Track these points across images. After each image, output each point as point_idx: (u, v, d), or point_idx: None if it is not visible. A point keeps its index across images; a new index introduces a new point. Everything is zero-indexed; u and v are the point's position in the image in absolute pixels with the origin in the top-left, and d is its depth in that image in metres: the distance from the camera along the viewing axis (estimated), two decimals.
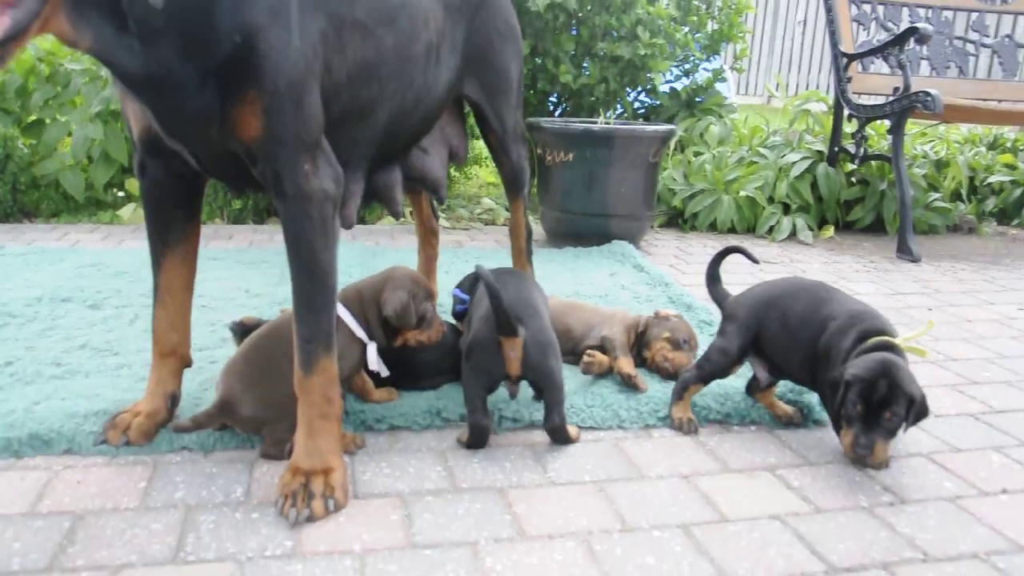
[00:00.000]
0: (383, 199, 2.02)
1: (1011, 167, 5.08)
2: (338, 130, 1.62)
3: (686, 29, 4.92)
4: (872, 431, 1.67)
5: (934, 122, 5.06)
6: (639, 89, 5.07)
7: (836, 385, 1.69)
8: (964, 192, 4.92)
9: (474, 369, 1.73)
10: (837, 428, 1.76)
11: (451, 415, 1.86)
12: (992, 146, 5.42)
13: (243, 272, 3.08)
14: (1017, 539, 1.51)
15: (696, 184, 4.41)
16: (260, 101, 1.39)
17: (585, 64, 4.71)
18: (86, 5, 1.25)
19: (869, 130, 4.41)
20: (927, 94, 3.76)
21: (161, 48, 1.34)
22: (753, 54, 12.99)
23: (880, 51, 4.28)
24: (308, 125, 1.47)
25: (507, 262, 2.56)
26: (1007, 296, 3.31)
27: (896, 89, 4.11)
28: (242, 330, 2.11)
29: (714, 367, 1.92)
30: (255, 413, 1.66)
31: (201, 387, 1.96)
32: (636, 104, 5.15)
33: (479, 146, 4.90)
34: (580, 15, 4.55)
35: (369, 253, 3.44)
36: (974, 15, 4.95)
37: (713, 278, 2.09)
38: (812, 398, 1.99)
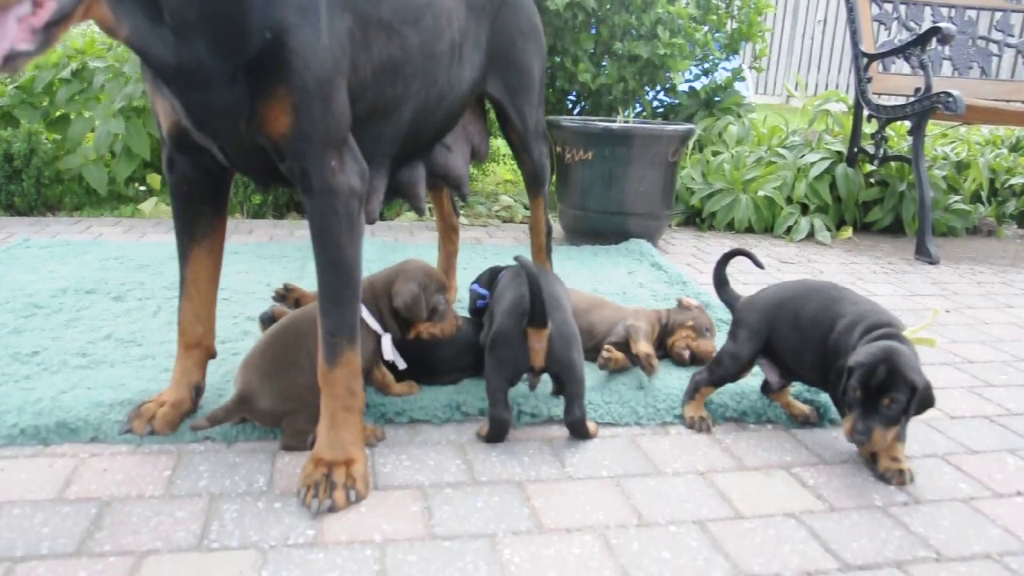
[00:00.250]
0: (407, 195, 2.05)
1: None
2: (363, 127, 1.64)
3: (706, 28, 4.92)
4: (870, 417, 1.64)
5: (955, 123, 5.03)
6: (658, 88, 5.08)
7: (840, 373, 1.70)
8: (984, 194, 4.90)
9: (498, 361, 1.75)
10: (844, 417, 1.77)
11: (471, 409, 1.88)
12: (1014, 148, 5.38)
13: (264, 266, 3.12)
14: None
15: (714, 183, 4.41)
16: (289, 98, 1.42)
17: (604, 63, 4.72)
18: None
19: (889, 131, 4.39)
20: (949, 95, 3.74)
21: (193, 41, 1.37)
22: (772, 53, 12.96)
23: (901, 51, 4.26)
24: (336, 122, 1.49)
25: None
26: None
27: (917, 90, 4.09)
28: (273, 322, 2.14)
29: (725, 371, 1.93)
30: (274, 406, 1.69)
31: (224, 379, 1.99)
32: (655, 103, 5.15)
33: (496, 143, 4.92)
34: (599, 14, 4.56)
35: (388, 248, 3.47)
36: (998, 14, 4.91)
37: (720, 280, 2.09)
38: (827, 397, 2.00)
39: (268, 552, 1.36)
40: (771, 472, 1.73)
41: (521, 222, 4.41)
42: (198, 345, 1.81)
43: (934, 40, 4.10)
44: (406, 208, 4.36)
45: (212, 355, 1.86)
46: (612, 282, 3.07)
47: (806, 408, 1.98)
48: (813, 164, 4.43)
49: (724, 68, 5.28)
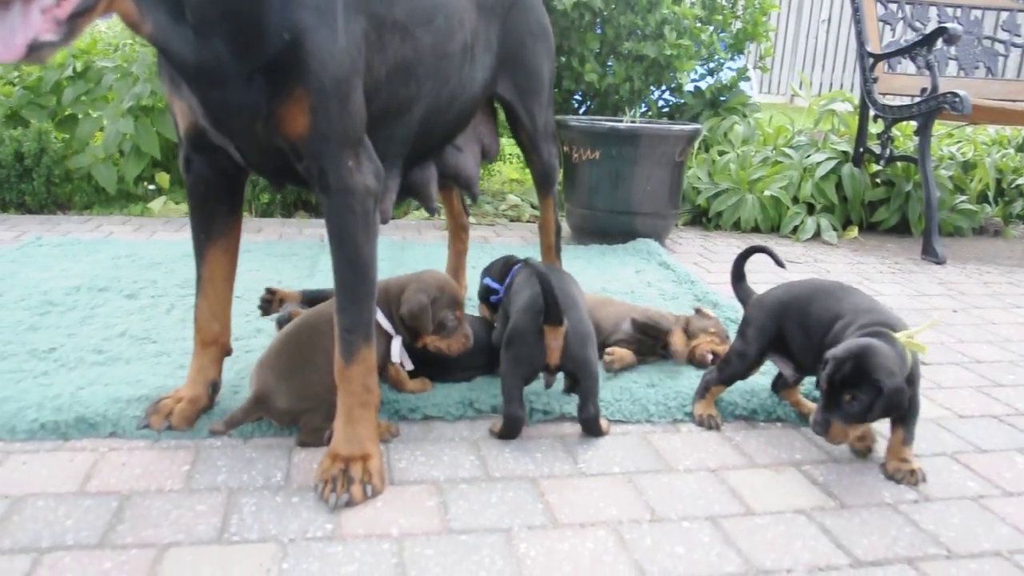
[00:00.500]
0: (419, 195, 2.07)
1: None
2: (377, 127, 1.66)
3: (711, 28, 4.93)
4: (832, 410, 1.64)
5: (961, 123, 5.04)
6: (663, 88, 5.09)
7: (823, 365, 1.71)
8: (991, 194, 4.91)
9: (514, 359, 1.77)
10: None
11: (483, 406, 1.90)
12: (1021, 148, 5.38)
13: (274, 264, 3.14)
14: None
15: (720, 183, 4.43)
16: (307, 98, 1.44)
17: (610, 63, 4.74)
18: None
19: (895, 131, 4.40)
20: (955, 95, 3.76)
21: (213, 40, 1.39)
22: (776, 52, 12.94)
23: (908, 51, 4.27)
24: (352, 122, 1.51)
25: (535, 258, 2.60)
26: None
27: (923, 90, 4.10)
28: (289, 320, 2.15)
29: (733, 370, 1.94)
30: (291, 405, 1.71)
31: (238, 375, 2.01)
32: (660, 103, 5.17)
33: (503, 143, 4.94)
34: (605, 14, 4.57)
35: (397, 247, 3.49)
36: (1004, 14, 4.92)
37: (738, 276, 2.12)
38: None
39: (287, 545, 1.38)
40: (781, 469, 1.75)
41: (528, 221, 4.43)
42: (214, 342, 1.83)
43: (940, 40, 4.11)
44: (414, 207, 4.38)
45: (228, 352, 1.88)
46: (620, 281, 3.08)
47: (815, 407, 1.99)
48: (819, 164, 4.44)
49: (729, 68, 5.29)
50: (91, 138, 4.30)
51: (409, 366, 1.91)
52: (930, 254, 3.93)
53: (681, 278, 3.09)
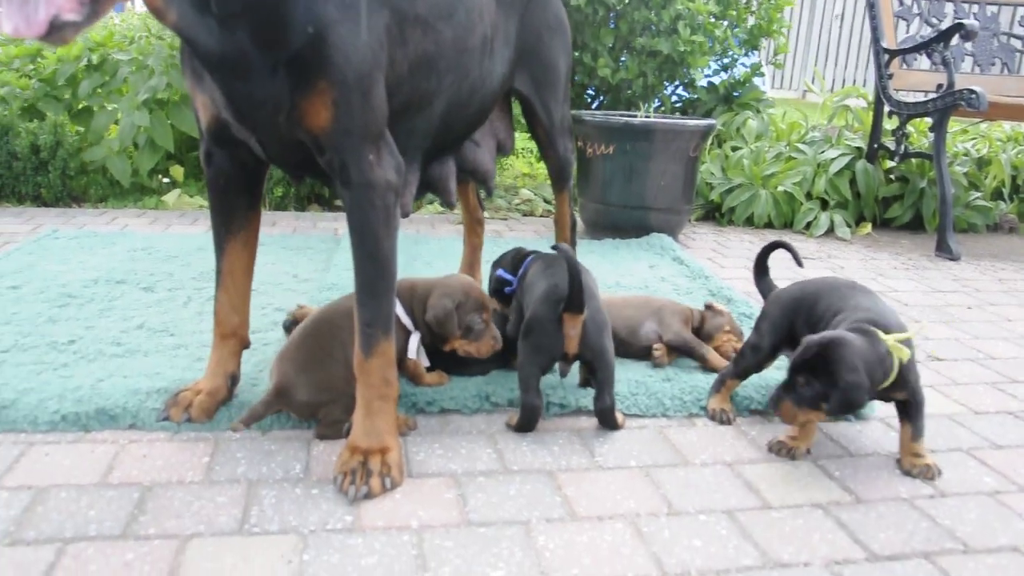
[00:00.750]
0: (438, 190, 2.07)
1: None
2: (398, 121, 1.67)
3: (725, 24, 4.92)
4: (788, 392, 1.66)
5: (977, 120, 5.01)
6: (677, 83, 5.08)
7: None
8: (1006, 191, 4.88)
9: (533, 348, 1.78)
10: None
11: (500, 399, 1.91)
12: None
13: (290, 257, 3.16)
14: None
15: (734, 178, 4.42)
16: (330, 92, 1.45)
17: (623, 58, 4.73)
18: None
19: (910, 127, 4.39)
20: (971, 92, 3.74)
21: (237, 32, 1.40)
22: (789, 48, 12.90)
23: (924, 47, 4.25)
24: (374, 116, 1.52)
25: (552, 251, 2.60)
26: None
27: (939, 86, 4.09)
28: (295, 325, 2.14)
29: (748, 363, 1.95)
30: (310, 398, 1.72)
31: (256, 368, 2.03)
32: (674, 98, 5.16)
33: (515, 137, 4.94)
34: (619, 9, 4.57)
35: (411, 241, 3.50)
36: (1021, 10, 4.89)
37: (761, 271, 2.12)
38: None
39: (308, 537, 1.39)
40: (798, 464, 1.75)
41: (541, 215, 4.43)
42: (234, 335, 1.84)
43: (957, 36, 4.09)
44: (427, 201, 4.39)
45: (246, 345, 1.89)
46: (634, 276, 3.09)
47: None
48: (833, 160, 4.43)
49: (743, 64, 5.28)
50: (106, 131, 4.33)
51: (425, 363, 1.92)
52: (944, 251, 3.92)
53: (695, 273, 3.09)
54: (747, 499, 1.59)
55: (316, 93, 1.45)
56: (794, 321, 1.92)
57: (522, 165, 5.41)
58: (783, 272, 3.28)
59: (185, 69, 1.61)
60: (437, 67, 1.76)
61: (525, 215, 4.43)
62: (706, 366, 2.16)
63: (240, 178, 1.76)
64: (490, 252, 3.25)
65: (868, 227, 4.38)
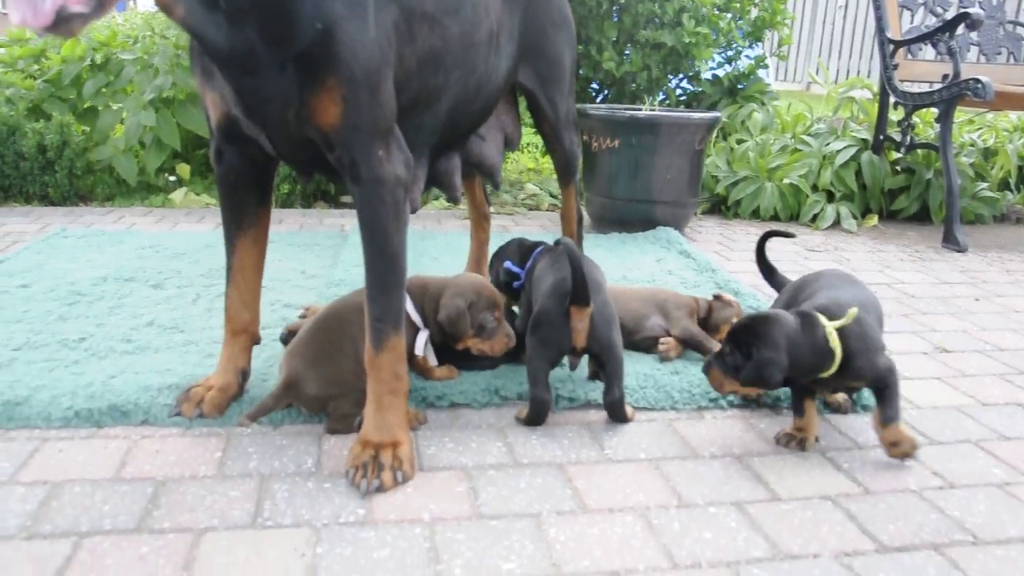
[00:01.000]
0: (443, 185, 2.08)
1: None
2: (406, 117, 1.67)
3: (729, 16, 4.91)
4: (717, 359, 1.74)
5: (983, 110, 5.00)
6: (681, 76, 5.08)
7: None
8: (1013, 181, 4.87)
9: (541, 341, 1.79)
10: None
11: (509, 393, 1.92)
12: None
13: (297, 254, 3.17)
14: None
15: (739, 171, 4.42)
16: (339, 88, 1.45)
17: (627, 51, 4.73)
18: None
19: (915, 118, 4.38)
20: (977, 81, 3.73)
21: (246, 28, 1.41)
22: (793, 39, 12.87)
23: (929, 37, 4.24)
24: (383, 112, 1.53)
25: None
26: None
27: (945, 76, 4.08)
28: (291, 337, 2.11)
29: None
30: (319, 392, 1.73)
31: (266, 363, 2.04)
32: (678, 91, 5.16)
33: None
34: (623, 2, 4.56)
35: (417, 237, 3.51)
36: None
37: (767, 270, 2.12)
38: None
39: (321, 530, 1.40)
40: (806, 456, 1.75)
41: (547, 210, 4.43)
42: (244, 331, 1.86)
43: (962, 26, 4.08)
44: (433, 196, 4.40)
45: (257, 341, 1.90)
46: (641, 270, 3.09)
47: (840, 396, 2.00)
48: (838, 152, 4.43)
49: (747, 56, 5.28)
50: (112, 130, 4.34)
51: (433, 361, 1.93)
52: (951, 242, 3.92)
53: (702, 266, 3.09)
54: (756, 491, 1.60)
55: (325, 90, 1.46)
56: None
57: (527, 160, 5.41)
58: (789, 267, 3.29)
59: (195, 67, 1.61)
60: (444, 63, 1.77)
61: (531, 210, 4.44)
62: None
63: (250, 175, 1.77)
64: (496, 247, 3.26)
65: (874, 219, 4.38)
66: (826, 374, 1.69)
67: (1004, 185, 4.89)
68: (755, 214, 4.37)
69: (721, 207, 4.49)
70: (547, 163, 5.23)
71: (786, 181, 4.35)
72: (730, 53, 5.17)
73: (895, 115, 4.49)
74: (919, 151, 4.44)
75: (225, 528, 1.40)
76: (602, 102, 5.00)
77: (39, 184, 4.09)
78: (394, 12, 1.56)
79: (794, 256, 3.54)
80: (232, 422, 1.77)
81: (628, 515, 1.49)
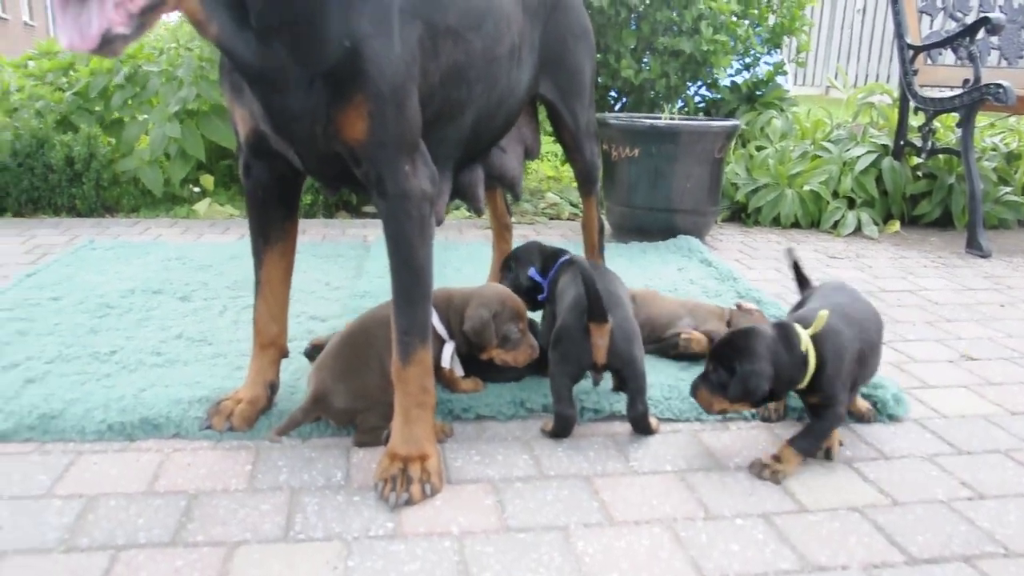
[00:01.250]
0: (467, 197, 2.10)
1: None
2: (430, 131, 1.69)
3: (747, 23, 4.91)
4: (703, 380, 1.73)
5: (1005, 114, 4.96)
6: (700, 83, 5.08)
7: None
8: None
9: (562, 357, 1.80)
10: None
11: (534, 405, 1.93)
12: None
13: (320, 265, 3.20)
14: None
15: (759, 178, 4.41)
16: (366, 105, 1.48)
17: (645, 59, 4.74)
18: None
19: (936, 123, 4.35)
20: (999, 86, 3.71)
21: (275, 46, 1.44)
22: (811, 43, 12.82)
23: (949, 43, 4.22)
24: (409, 127, 1.55)
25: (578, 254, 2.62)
26: None
27: (966, 81, 4.06)
28: (315, 352, 2.10)
29: None
30: (347, 405, 1.75)
31: (293, 376, 2.06)
32: (697, 98, 5.16)
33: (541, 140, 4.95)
34: (641, 10, 4.57)
35: (440, 247, 3.53)
36: None
37: (803, 283, 2.09)
38: (886, 394, 2.01)
39: (352, 543, 1.42)
40: (833, 467, 1.75)
41: (568, 219, 4.44)
42: (272, 344, 1.88)
43: (983, 30, 4.05)
44: (454, 206, 4.42)
45: (285, 354, 1.92)
46: (663, 279, 3.09)
47: (864, 405, 2.00)
48: (859, 158, 4.41)
49: (766, 62, 5.27)
50: (137, 142, 4.39)
51: (460, 372, 1.94)
52: (975, 247, 3.89)
53: (723, 275, 3.09)
54: (783, 502, 1.60)
55: (352, 106, 1.48)
56: None
57: (547, 168, 5.43)
58: (810, 274, 3.28)
59: (224, 83, 1.64)
60: (467, 77, 1.79)
61: (551, 219, 4.45)
62: None
63: (278, 190, 1.80)
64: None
65: (896, 225, 4.36)
66: (803, 384, 1.70)
67: None
68: (776, 221, 4.36)
69: (741, 214, 4.48)
70: (567, 171, 5.24)
71: (806, 188, 4.34)
72: (748, 59, 5.17)
73: (915, 120, 4.46)
74: (940, 156, 4.41)
75: (257, 541, 1.42)
76: (620, 110, 5.01)
77: (67, 196, 4.15)
78: (419, 28, 1.58)
79: (815, 263, 3.53)
80: (261, 435, 1.79)
81: (655, 527, 1.50)
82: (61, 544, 1.39)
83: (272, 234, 1.83)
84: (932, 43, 4.35)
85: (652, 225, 3.79)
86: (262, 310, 1.87)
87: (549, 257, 2.22)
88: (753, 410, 1.94)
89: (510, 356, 1.92)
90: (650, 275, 3.15)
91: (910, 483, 1.69)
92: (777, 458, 1.71)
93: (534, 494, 1.59)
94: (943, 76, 4.55)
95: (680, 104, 4.99)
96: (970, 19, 4.49)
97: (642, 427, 1.84)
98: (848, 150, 4.51)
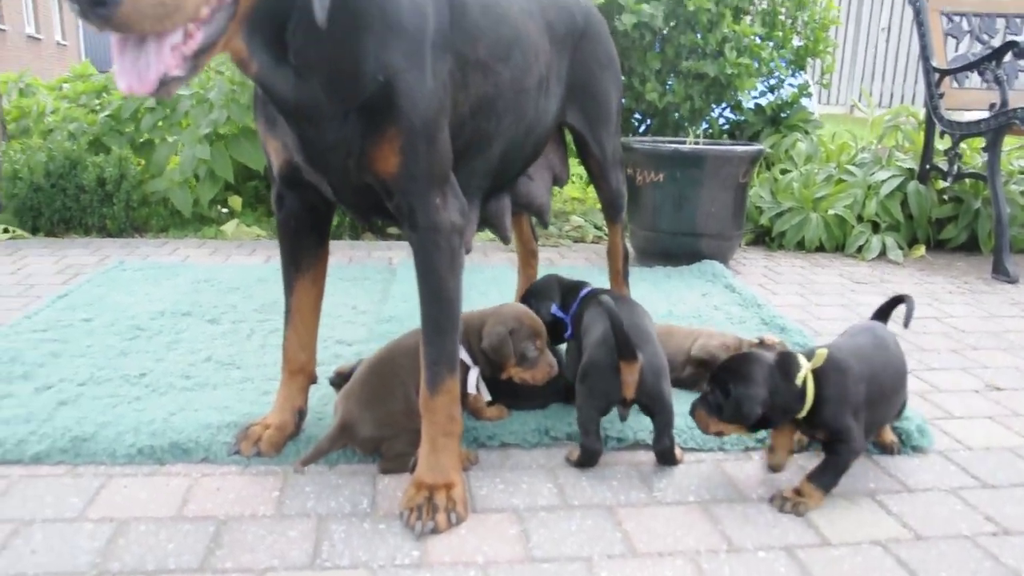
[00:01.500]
0: (494, 225, 2.13)
1: None
2: (459, 161, 1.72)
3: (771, 45, 4.92)
4: (701, 402, 1.77)
5: None
6: (724, 105, 5.09)
7: None
8: None
9: (590, 392, 1.81)
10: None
11: (559, 433, 1.94)
12: None
13: (347, 288, 3.23)
14: None
15: (783, 202, 4.41)
16: (398, 138, 1.51)
17: (670, 82, 4.76)
18: (257, 34, 1.39)
19: (962, 146, 4.33)
20: None
21: (312, 81, 1.47)
22: (836, 62, 12.79)
23: (975, 66, 4.21)
24: (440, 160, 1.58)
25: (599, 280, 2.61)
26: None
27: (992, 105, 4.04)
28: (340, 380, 2.13)
29: None
30: (373, 433, 1.78)
31: (320, 402, 2.09)
32: (721, 120, 5.17)
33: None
34: (665, 33, 4.60)
35: (464, 270, 3.54)
36: None
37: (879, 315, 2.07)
38: (910, 425, 2.01)
39: (377, 571, 1.44)
40: (856, 499, 1.75)
41: (592, 242, 4.46)
42: (301, 371, 1.91)
43: (1010, 54, 4.04)
44: (479, 228, 4.44)
45: (313, 381, 1.95)
46: (686, 304, 3.10)
47: (889, 436, 1.99)
48: (884, 181, 4.40)
49: (790, 84, 5.28)
50: (167, 163, 4.47)
51: (487, 397, 1.96)
52: (1001, 272, 3.86)
53: (747, 302, 3.09)
54: (805, 535, 1.60)
55: (385, 139, 1.52)
56: None
57: (573, 190, 5.45)
58: (835, 299, 3.27)
59: (258, 116, 1.68)
60: (496, 108, 1.82)
61: (576, 242, 4.47)
62: None
63: (310, 220, 1.83)
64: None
65: (922, 249, 4.33)
66: (800, 415, 1.71)
67: None
68: (800, 245, 4.36)
69: (765, 238, 4.48)
70: (592, 193, 5.26)
71: (831, 212, 4.33)
72: (772, 82, 5.17)
73: (941, 144, 4.45)
74: (967, 180, 4.39)
75: (285, 568, 1.44)
76: (645, 132, 5.03)
77: (98, 216, 4.22)
78: (450, 61, 1.62)
79: (840, 289, 3.52)
80: (289, 461, 1.82)
81: (678, 559, 1.50)
82: (93, 568, 1.42)
83: (303, 263, 1.87)
84: (958, 67, 4.34)
85: (677, 249, 3.80)
86: (292, 338, 1.90)
87: (569, 291, 2.22)
88: (748, 435, 1.93)
89: (528, 374, 1.93)
90: (674, 301, 3.16)
91: (934, 517, 1.69)
92: (798, 491, 1.71)
93: (558, 524, 1.61)
94: (970, 99, 4.53)
95: (704, 126, 5.00)
96: (996, 42, 4.48)
97: (668, 459, 1.85)
98: (873, 173, 4.50)
